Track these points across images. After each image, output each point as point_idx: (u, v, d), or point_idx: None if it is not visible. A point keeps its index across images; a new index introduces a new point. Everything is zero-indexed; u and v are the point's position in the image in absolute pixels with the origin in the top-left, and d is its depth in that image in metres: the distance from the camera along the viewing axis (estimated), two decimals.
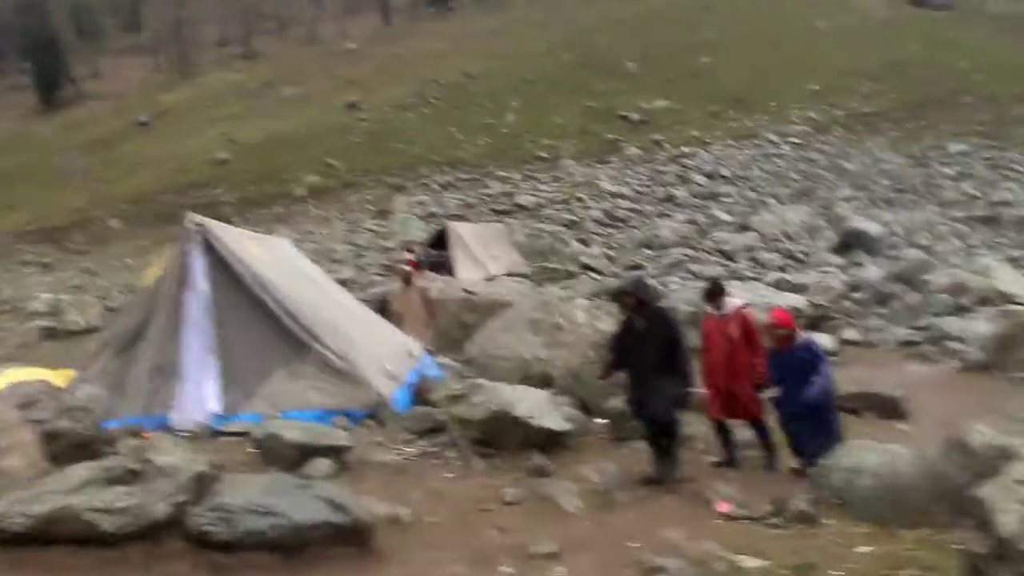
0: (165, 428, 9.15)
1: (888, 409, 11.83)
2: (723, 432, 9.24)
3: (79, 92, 70.51)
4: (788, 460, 9.04)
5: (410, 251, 28.92)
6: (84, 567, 5.33)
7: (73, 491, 5.49)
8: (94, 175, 50.86)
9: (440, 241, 28.24)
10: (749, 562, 6.21)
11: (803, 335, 9.05)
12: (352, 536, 5.72)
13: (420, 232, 33.81)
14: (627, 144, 47.15)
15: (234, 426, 9.16)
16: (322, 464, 7.86)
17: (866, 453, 7.76)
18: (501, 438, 8.78)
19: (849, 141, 47.83)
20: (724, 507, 7.57)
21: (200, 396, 9.42)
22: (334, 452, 8.04)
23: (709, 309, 9.29)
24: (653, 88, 53.69)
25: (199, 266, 9.72)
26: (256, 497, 5.58)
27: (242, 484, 6.00)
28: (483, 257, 27.49)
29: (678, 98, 52.73)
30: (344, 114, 52.56)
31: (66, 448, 7.77)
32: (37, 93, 69.97)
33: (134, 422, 9.09)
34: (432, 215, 37.30)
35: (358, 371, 9.75)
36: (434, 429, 9.38)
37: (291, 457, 7.89)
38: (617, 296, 8.45)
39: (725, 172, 43.48)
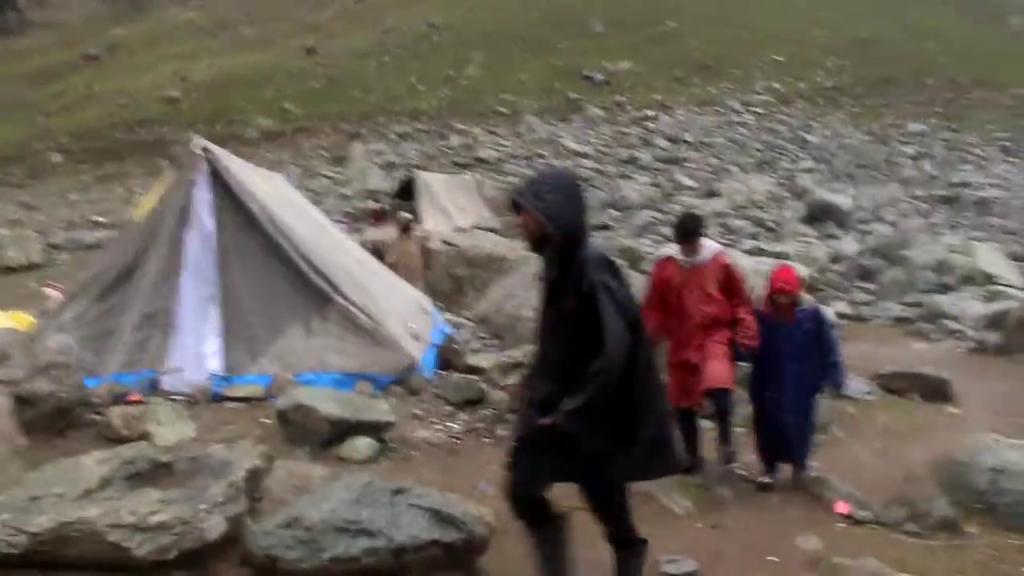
0: (155, 389, 7.60)
1: (935, 391, 10.84)
2: (693, 429, 6.86)
3: (23, 20, 67.11)
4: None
5: (375, 200, 27.60)
6: None
7: (88, 496, 3.93)
8: (37, 107, 48.32)
9: (405, 191, 26.89)
10: None
11: (809, 301, 7.08)
12: (463, 556, 4.32)
13: (379, 181, 32.41)
14: (590, 104, 46.16)
15: (240, 390, 7.63)
16: (362, 444, 6.47)
17: (1006, 450, 6.63)
18: None
19: (811, 114, 47.47)
20: (843, 508, 6.40)
21: (198, 353, 7.81)
22: (374, 429, 6.63)
23: (676, 254, 6.70)
24: (618, 49, 52.65)
25: (204, 200, 8.08)
26: (344, 510, 4.11)
27: (319, 488, 4.51)
28: (451, 209, 26.26)
29: (642, 61, 51.83)
30: (302, 58, 50.73)
31: (45, 415, 6.25)
32: None
33: (118, 380, 7.52)
34: (391, 164, 35.86)
35: (385, 330, 8.23)
36: (474, 400, 8.00)
37: (323, 433, 6.47)
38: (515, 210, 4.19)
39: (688, 137, 42.95)
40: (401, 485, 4.44)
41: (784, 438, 6.70)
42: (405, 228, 13.51)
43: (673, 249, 6.79)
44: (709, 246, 6.72)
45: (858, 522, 6.22)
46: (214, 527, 3.94)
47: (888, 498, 6.56)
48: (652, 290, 6.83)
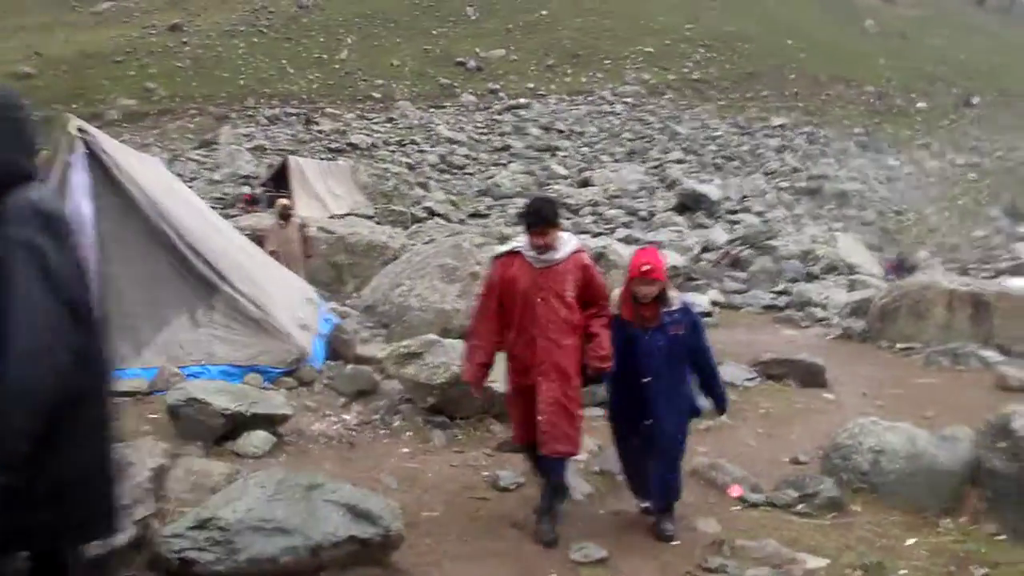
0: None
1: (811, 377, 11.23)
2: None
3: None
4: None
5: (247, 185, 26.98)
6: None
7: None
8: None
9: (278, 177, 26.47)
10: (812, 561, 5.34)
11: (677, 296, 5.52)
12: (377, 551, 4.22)
13: (248, 165, 31.65)
14: (463, 91, 46.16)
15: (123, 384, 7.28)
16: (258, 438, 6.29)
17: (884, 432, 6.91)
18: (459, 405, 7.40)
19: (679, 105, 48.47)
20: (737, 491, 6.57)
21: None
22: (269, 422, 6.44)
23: (525, 249, 5.24)
24: (491, 36, 52.82)
25: (82, 184, 7.65)
26: (259, 508, 3.95)
27: (222, 486, 4.34)
28: (324, 195, 26.05)
29: (515, 48, 52.11)
30: (166, 36, 48.93)
31: None
32: None
33: None
34: (261, 149, 35.02)
35: (274, 320, 8.03)
36: (367, 391, 7.88)
37: (218, 428, 6.26)
38: None
39: (560, 126, 43.41)
40: (313, 480, 4.31)
41: (661, 479, 5.58)
42: (284, 215, 13.19)
43: (520, 243, 5.29)
44: (567, 240, 5.30)
45: (752, 504, 6.40)
46: (123, 532, 3.70)
47: (777, 480, 6.78)
48: (489, 294, 5.40)
